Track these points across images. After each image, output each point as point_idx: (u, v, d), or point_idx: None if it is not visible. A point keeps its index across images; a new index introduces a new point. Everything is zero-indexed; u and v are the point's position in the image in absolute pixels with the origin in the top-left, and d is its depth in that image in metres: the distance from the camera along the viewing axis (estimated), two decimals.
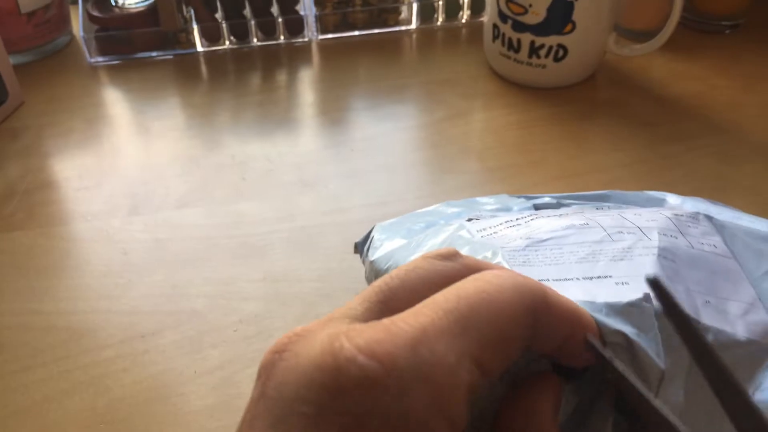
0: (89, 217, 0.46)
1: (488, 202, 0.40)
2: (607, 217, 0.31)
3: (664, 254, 0.28)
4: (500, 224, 0.33)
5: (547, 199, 0.39)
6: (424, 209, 0.40)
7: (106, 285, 0.41)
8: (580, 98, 0.57)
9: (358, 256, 0.42)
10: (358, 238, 0.44)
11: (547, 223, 0.32)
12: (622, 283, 0.27)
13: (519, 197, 0.40)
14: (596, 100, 0.57)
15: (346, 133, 0.54)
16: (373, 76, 0.61)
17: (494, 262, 0.28)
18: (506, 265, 0.28)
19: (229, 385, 0.35)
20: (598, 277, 0.27)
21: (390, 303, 0.18)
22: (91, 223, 0.46)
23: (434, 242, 0.33)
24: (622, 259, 0.28)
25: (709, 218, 0.32)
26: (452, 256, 0.20)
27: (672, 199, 0.40)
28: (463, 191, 0.48)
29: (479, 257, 0.29)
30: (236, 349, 0.37)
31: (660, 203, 0.40)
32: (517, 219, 0.33)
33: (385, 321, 0.17)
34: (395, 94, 0.58)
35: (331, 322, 0.18)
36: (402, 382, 0.15)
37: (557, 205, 0.38)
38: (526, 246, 0.29)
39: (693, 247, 0.30)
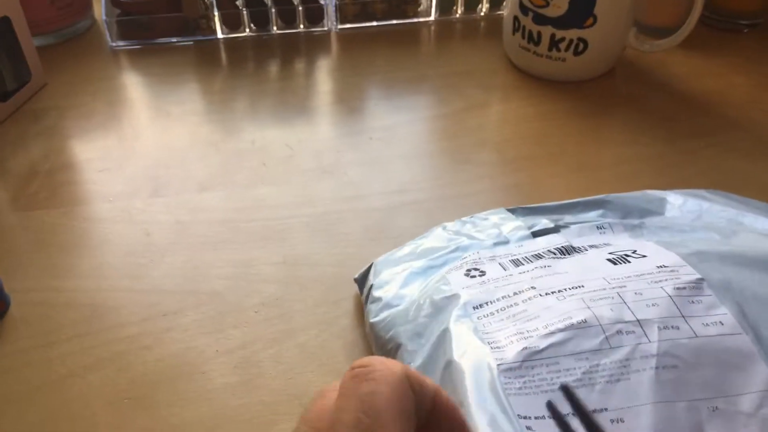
0: (111, 198, 0.47)
1: (486, 220, 0.40)
2: (607, 305, 0.30)
3: (665, 362, 0.28)
4: (499, 299, 0.32)
5: (545, 221, 0.39)
6: (421, 236, 0.40)
7: (129, 264, 0.42)
8: (598, 92, 0.57)
9: (377, 242, 0.43)
10: (378, 224, 0.44)
11: (546, 311, 0.31)
12: (618, 421, 0.27)
13: (517, 216, 0.40)
14: (615, 95, 0.57)
15: (364, 121, 0.54)
16: (391, 67, 0.61)
17: (487, 385, 0.28)
18: (502, 395, 0.28)
19: (251, 364, 0.36)
20: (594, 411, 0.27)
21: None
22: (113, 204, 0.46)
23: (435, 330, 0.32)
24: (618, 380, 0.28)
25: (713, 287, 0.31)
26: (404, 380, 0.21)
27: (672, 198, 0.40)
28: (481, 181, 0.48)
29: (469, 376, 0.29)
30: (257, 330, 0.38)
31: (661, 204, 0.39)
32: (515, 294, 0.32)
33: None
34: (413, 84, 0.59)
35: None
36: None
37: (556, 229, 0.38)
38: (523, 360, 0.29)
39: (697, 335, 0.29)
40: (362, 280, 0.38)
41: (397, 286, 0.36)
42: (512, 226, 0.39)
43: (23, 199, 0.47)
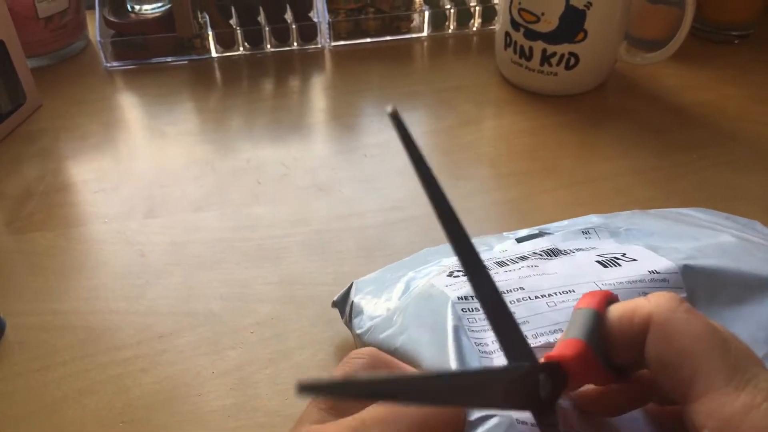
0: (106, 219, 0.47)
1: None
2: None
3: None
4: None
5: (528, 231, 0.38)
6: (404, 260, 0.39)
7: (124, 286, 0.42)
8: (591, 106, 0.57)
9: (372, 259, 0.43)
10: (373, 241, 0.44)
11: (537, 317, 0.30)
12: None
13: (503, 235, 0.39)
14: (607, 108, 0.57)
15: (358, 138, 0.55)
16: (385, 83, 0.61)
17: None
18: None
19: (247, 385, 0.36)
20: None
21: (338, 406, 0.23)
22: (108, 225, 0.46)
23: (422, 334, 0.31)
24: None
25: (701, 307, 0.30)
26: (374, 360, 0.24)
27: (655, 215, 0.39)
28: (475, 197, 0.48)
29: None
30: (254, 350, 0.38)
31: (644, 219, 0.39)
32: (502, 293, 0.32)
33: (336, 421, 0.22)
34: (407, 100, 0.59)
35: (296, 428, 0.22)
36: None
37: (540, 234, 0.37)
38: None
39: None
40: (342, 302, 0.37)
41: (380, 299, 0.35)
42: (498, 239, 0.38)
43: (18, 221, 0.47)
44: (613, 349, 0.22)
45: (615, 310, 0.22)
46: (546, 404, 0.21)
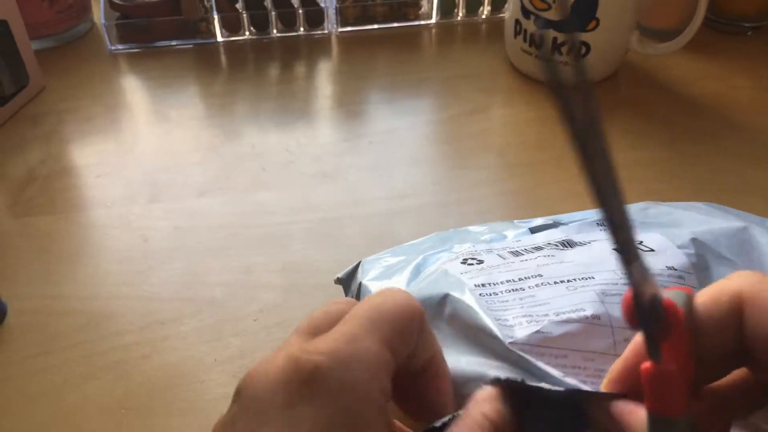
0: (109, 204, 0.46)
1: (481, 230, 0.38)
2: (619, 305, 0.29)
3: None
4: (503, 282, 0.31)
5: (541, 220, 0.38)
6: (412, 242, 0.38)
7: (126, 271, 0.41)
8: (601, 96, 0.57)
9: (377, 247, 0.42)
10: (378, 229, 0.44)
11: (556, 299, 0.30)
12: None
13: (513, 222, 0.39)
14: (618, 98, 0.57)
15: (365, 125, 0.54)
16: (392, 70, 0.61)
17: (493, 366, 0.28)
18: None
19: None
20: None
21: (319, 332, 0.23)
22: (111, 210, 0.46)
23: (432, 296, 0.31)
24: None
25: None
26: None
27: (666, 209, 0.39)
28: (483, 186, 0.48)
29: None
30: (256, 338, 0.37)
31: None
32: (520, 279, 0.31)
33: (324, 335, 0.22)
34: (414, 88, 0.58)
35: (282, 350, 0.22)
36: (344, 365, 0.21)
37: (554, 225, 0.37)
38: (535, 345, 0.28)
39: None
40: (348, 280, 0.36)
41: (390, 281, 0.34)
42: (508, 226, 0.38)
43: (21, 204, 0.46)
44: (698, 337, 0.21)
45: (698, 297, 0.21)
46: (652, 315, 0.20)
